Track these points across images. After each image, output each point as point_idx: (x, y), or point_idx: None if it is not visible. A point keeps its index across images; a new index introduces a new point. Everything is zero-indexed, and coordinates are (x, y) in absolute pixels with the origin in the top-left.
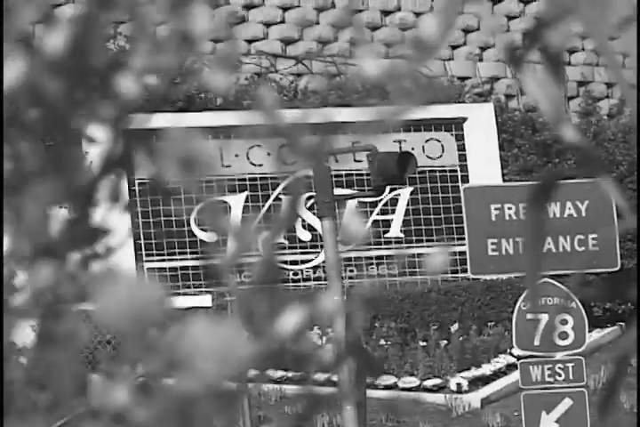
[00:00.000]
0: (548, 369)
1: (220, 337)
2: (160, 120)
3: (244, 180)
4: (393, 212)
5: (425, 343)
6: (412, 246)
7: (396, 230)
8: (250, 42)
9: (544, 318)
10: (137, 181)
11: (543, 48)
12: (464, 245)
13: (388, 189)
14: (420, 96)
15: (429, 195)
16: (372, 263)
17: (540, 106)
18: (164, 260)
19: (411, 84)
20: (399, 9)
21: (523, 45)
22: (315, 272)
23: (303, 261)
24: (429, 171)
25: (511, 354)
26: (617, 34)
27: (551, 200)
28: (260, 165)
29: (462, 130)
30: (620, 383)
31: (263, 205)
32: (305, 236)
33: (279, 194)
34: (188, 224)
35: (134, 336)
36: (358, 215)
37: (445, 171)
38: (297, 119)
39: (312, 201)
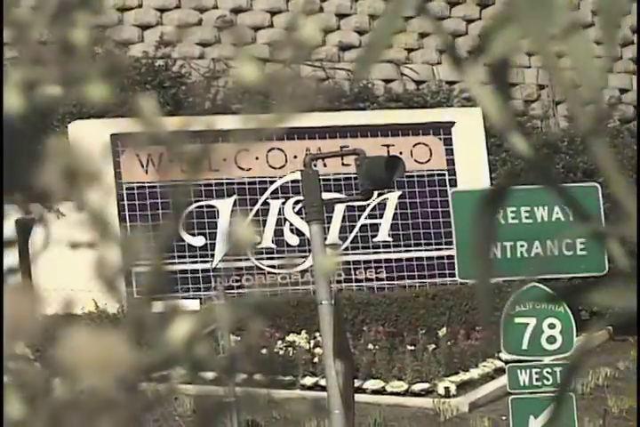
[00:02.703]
0: (536, 373)
1: (100, 345)
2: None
3: (233, 184)
4: (381, 216)
5: (413, 348)
6: (400, 251)
7: (384, 234)
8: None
9: (532, 322)
10: (124, 186)
11: (488, 56)
12: (452, 249)
13: (376, 193)
14: (302, 102)
15: (417, 199)
16: (359, 267)
17: (488, 114)
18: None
19: (293, 89)
20: None
21: (469, 53)
22: (303, 277)
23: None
24: (417, 175)
25: (499, 358)
26: (558, 41)
27: (503, 206)
28: (249, 170)
29: (450, 134)
30: (569, 389)
31: (251, 210)
32: (293, 240)
33: (267, 198)
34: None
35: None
36: (242, 220)
37: (433, 175)
38: (178, 127)
39: (300, 205)
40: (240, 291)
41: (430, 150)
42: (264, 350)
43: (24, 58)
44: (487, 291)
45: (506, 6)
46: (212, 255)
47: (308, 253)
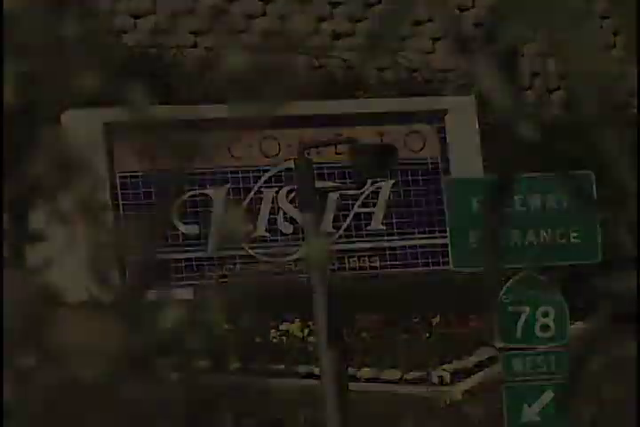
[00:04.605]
0: (530, 362)
1: (92, 330)
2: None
3: (226, 173)
4: (374, 204)
5: (407, 336)
6: (394, 239)
7: (377, 223)
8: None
9: (526, 310)
10: (118, 175)
11: (497, 42)
12: (445, 237)
13: (369, 181)
14: (292, 90)
15: (411, 187)
16: (353, 256)
17: (493, 99)
18: None
19: (282, 78)
20: (380, 2)
21: (477, 39)
22: (296, 265)
23: (285, 254)
24: (411, 163)
25: (493, 346)
26: (571, 26)
27: (510, 195)
28: (242, 158)
29: (444, 122)
30: (581, 378)
31: (245, 199)
32: (286, 228)
33: (261, 187)
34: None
35: (14, 329)
36: (235, 209)
37: (427, 163)
38: (169, 115)
39: (294, 194)
40: (234, 279)
41: (424, 138)
42: (258, 339)
43: (16, 49)
44: (494, 278)
45: None
46: (206, 244)
47: (301, 242)
